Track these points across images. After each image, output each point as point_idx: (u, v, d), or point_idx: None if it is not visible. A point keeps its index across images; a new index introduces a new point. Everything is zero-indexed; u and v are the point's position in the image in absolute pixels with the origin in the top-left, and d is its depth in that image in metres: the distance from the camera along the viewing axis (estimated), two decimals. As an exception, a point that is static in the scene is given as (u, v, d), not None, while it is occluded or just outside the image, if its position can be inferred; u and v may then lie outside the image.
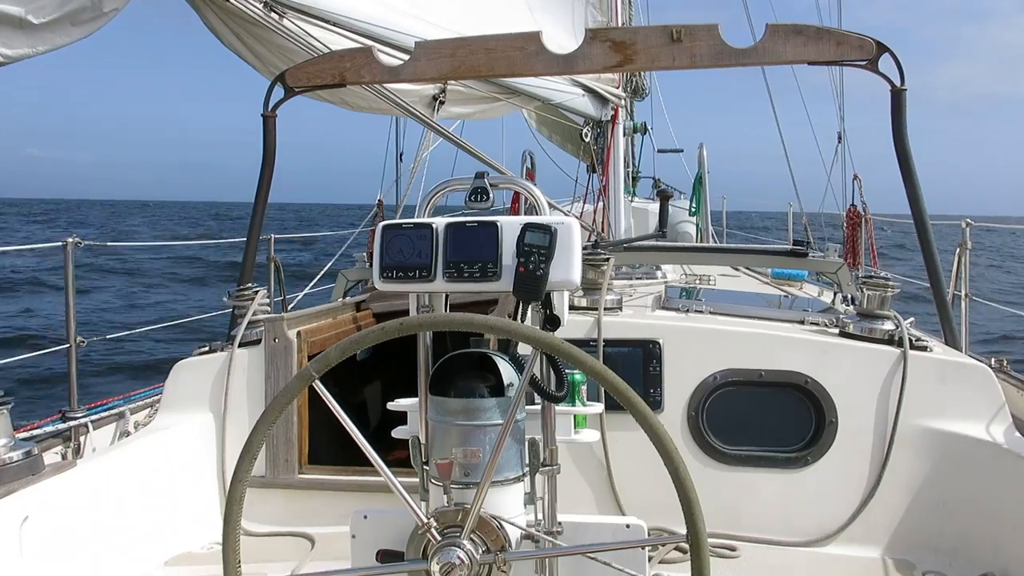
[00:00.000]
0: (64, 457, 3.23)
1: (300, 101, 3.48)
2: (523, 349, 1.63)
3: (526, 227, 1.55)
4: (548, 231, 1.54)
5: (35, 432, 3.37)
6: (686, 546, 2.60)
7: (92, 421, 3.50)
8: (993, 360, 3.76)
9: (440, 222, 1.61)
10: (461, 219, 1.62)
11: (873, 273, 3.41)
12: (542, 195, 1.75)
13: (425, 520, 1.48)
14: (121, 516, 2.62)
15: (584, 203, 6.77)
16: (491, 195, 1.67)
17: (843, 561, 2.61)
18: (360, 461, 3.22)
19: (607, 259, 3.07)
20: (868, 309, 2.88)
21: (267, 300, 3.32)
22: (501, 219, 1.59)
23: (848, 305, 3.58)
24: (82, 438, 3.43)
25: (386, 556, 1.63)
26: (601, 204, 6.04)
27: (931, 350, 2.77)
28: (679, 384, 2.81)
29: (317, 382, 1.47)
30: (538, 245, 1.53)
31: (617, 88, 6.09)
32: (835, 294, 4.09)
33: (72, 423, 3.37)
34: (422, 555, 1.49)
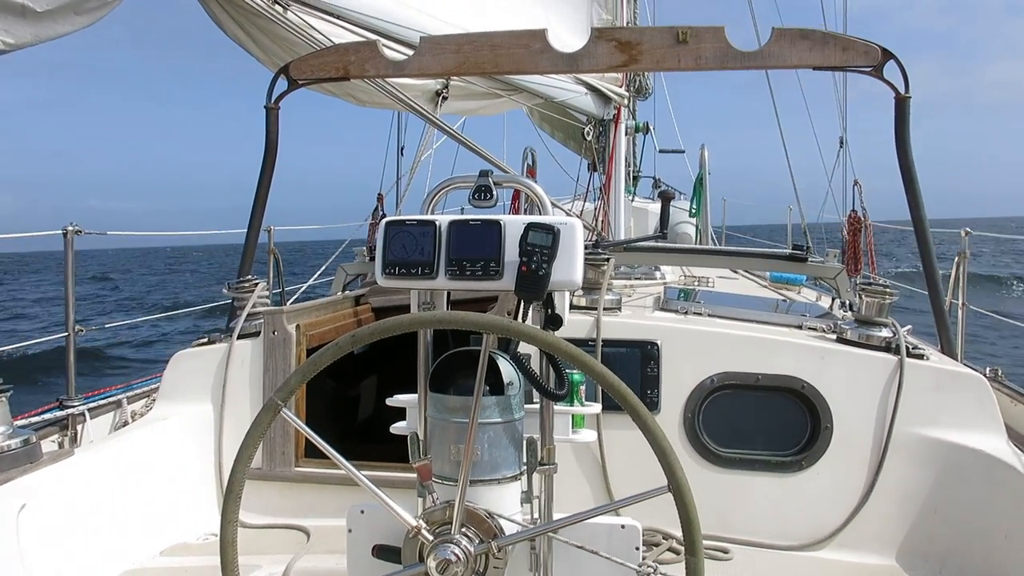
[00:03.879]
0: (61, 446, 3.23)
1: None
2: (524, 348, 1.63)
3: (529, 227, 1.55)
4: (551, 231, 1.54)
5: (33, 420, 3.37)
6: (680, 547, 2.62)
7: (90, 410, 3.51)
8: (988, 370, 3.77)
9: (443, 219, 1.62)
10: (464, 217, 1.62)
11: (872, 280, 3.41)
12: (545, 194, 1.75)
13: (415, 523, 1.49)
14: (118, 505, 2.62)
15: (584, 202, 6.78)
16: (495, 193, 1.67)
17: (835, 566, 2.62)
18: (357, 455, 3.23)
19: (607, 259, 3.08)
20: (866, 316, 2.89)
21: (266, 292, 3.32)
22: (504, 218, 1.60)
23: (846, 311, 3.59)
24: (79, 427, 3.44)
25: (382, 551, 1.63)
26: (601, 203, 6.05)
27: (928, 358, 2.77)
28: (676, 385, 2.82)
29: (284, 410, 1.48)
30: (541, 245, 1.54)
31: (620, 87, 6.10)
32: (833, 299, 4.09)
33: (70, 411, 3.38)
34: (418, 557, 1.50)
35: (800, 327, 3.03)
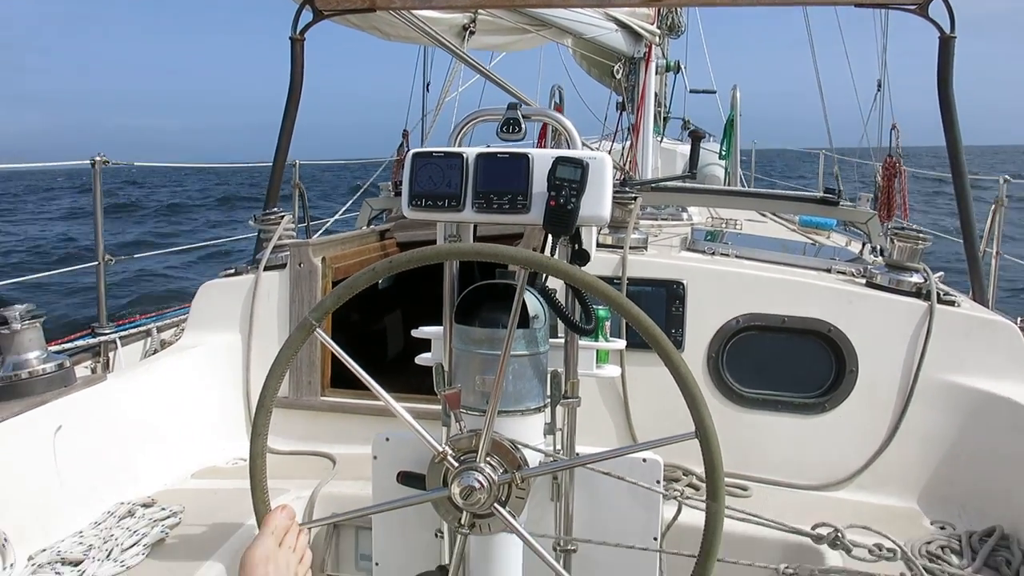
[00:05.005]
0: (94, 371, 3.31)
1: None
2: (551, 283, 1.64)
3: (558, 160, 1.54)
4: (580, 165, 1.53)
5: (66, 347, 3.45)
6: (699, 483, 2.66)
7: (121, 338, 3.58)
8: (1020, 319, 3.74)
9: (471, 152, 1.61)
10: (492, 149, 1.61)
11: (905, 225, 3.36)
12: (574, 129, 1.74)
13: (441, 449, 1.51)
14: (149, 429, 2.69)
15: (613, 142, 6.70)
16: (523, 127, 1.66)
17: (852, 506, 2.64)
18: (382, 386, 3.28)
19: (635, 198, 3.06)
20: (897, 260, 2.85)
21: (292, 225, 3.34)
22: (533, 151, 1.59)
23: (877, 256, 3.55)
24: (111, 354, 3.51)
25: (406, 478, 1.67)
26: (629, 143, 5.98)
27: (959, 305, 2.75)
28: (701, 326, 2.82)
29: (319, 330, 1.49)
30: (569, 179, 1.53)
31: (652, 24, 5.97)
32: (863, 245, 4.05)
33: (102, 339, 3.45)
34: (442, 483, 1.53)
35: (829, 271, 3.01)
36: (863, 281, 2.89)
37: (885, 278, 2.83)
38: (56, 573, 1.98)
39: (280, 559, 1.28)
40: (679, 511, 2.04)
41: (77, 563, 2.06)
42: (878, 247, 3.77)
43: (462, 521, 1.51)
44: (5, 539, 1.99)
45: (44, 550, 2.12)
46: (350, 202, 6.61)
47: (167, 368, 2.91)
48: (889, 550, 1.86)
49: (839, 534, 1.70)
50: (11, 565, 1.99)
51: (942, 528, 2.49)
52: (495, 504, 1.48)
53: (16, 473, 2.14)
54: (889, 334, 2.72)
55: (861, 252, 3.89)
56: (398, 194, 4.27)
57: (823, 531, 1.73)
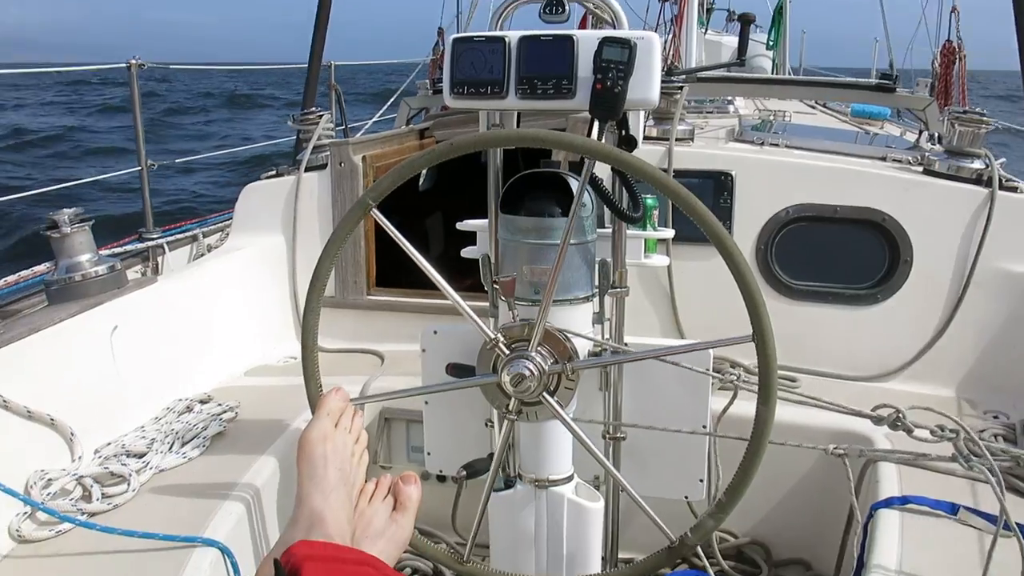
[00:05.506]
0: (144, 275, 3.36)
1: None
2: (597, 170, 1.60)
3: (604, 41, 1.47)
4: (628, 45, 1.46)
5: (115, 251, 3.51)
6: (747, 375, 2.65)
7: (168, 243, 3.63)
8: None
9: (513, 35, 1.55)
10: (535, 32, 1.55)
11: (966, 108, 3.21)
12: (620, 9, 1.67)
13: (493, 336, 1.50)
14: (201, 329, 2.74)
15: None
16: (567, 7, 1.59)
17: (902, 396, 2.62)
18: (427, 284, 3.30)
19: (680, 87, 2.97)
20: (957, 146, 2.74)
21: (331, 125, 3.31)
22: (578, 33, 1.52)
23: (935, 144, 3.43)
24: (159, 258, 3.56)
25: (456, 369, 1.68)
26: (672, 35, 5.78)
27: (1022, 191, 2.66)
28: (750, 217, 2.76)
29: (375, 210, 1.46)
30: (617, 60, 1.46)
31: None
32: (920, 133, 3.91)
33: (149, 243, 3.49)
34: (492, 370, 1.53)
35: (884, 159, 2.92)
36: (920, 169, 2.80)
37: (944, 165, 2.73)
38: (122, 464, 2.05)
39: (337, 438, 1.31)
40: (733, 399, 2.04)
41: (141, 455, 2.13)
42: (936, 135, 3.64)
43: (510, 407, 1.52)
44: (72, 433, 2.06)
45: (109, 444, 2.20)
46: (387, 105, 6.53)
47: (216, 270, 2.95)
48: (952, 431, 1.84)
49: (900, 415, 1.68)
50: (79, 458, 2.07)
51: (995, 417, 2.46)
52: (544, 393, 1.49)
53: (78, 371, 2.20)
54: (946, 222, 2.64)
55: (918, 140, 3.76)
56: (436, 92, 4.20)
57: (884, 412, 1.71)
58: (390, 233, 1.47)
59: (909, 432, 1.67)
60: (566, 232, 1.42)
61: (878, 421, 1.72)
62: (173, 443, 2.20)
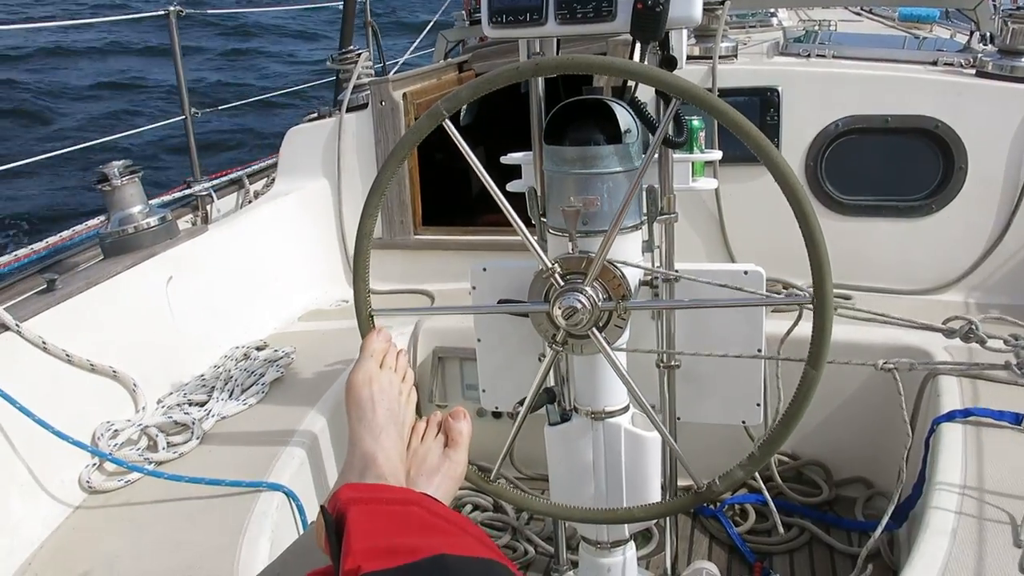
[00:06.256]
0: (194, 223, 3.41)
1: None
2: (640, 94, 1.56)
3: None
4: None
5: (165, 199, 3.55)
6: (801, 294, 2.62)
7: (215, 189, 3.66)
8: None
9: None
10: None
11: (1020, 4, 3.07)
12: None
13: (550, 265, 1.48)
14: (253, 276, 2.78)
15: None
16: None
17: (959, 307, 2.57)
18: (472, 222, 3.29)
19: (722, 2, 2.87)
20: (1011, 46, 2.63)
21: (370, 62, 3.28)
22: None
23: (987, 44, 3.28)
24: (208, 207, 3.60)
25: (506, 304, 1.68)
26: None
27: None
28: (798, 133, 2.69)
29: (447, 121, 1.43)
30: None
31: None
32: (972, 34, 3.74)
33: (197, 192, 3.53)
34: (544, 299, 1.52)
35: (935, 63, 2.81)
36: (972, 71, 2.69)
37: (997, 66, 2.62)
38: (185, 413, 2.11)
39: (383, 378, 1.31)
40: (797, 321, 2.01)
41: (203, 403, 2.19)
42: (988, 34, 3.49)
43: (557, 338, 1.52)
44: (135, 384, 2.12)
45: (171, 393, 2.26)
46: (421, 36, 6.44)
47: (264, 217, 2.97)
48: None
49: (973, 325, 1.63)
50: (143, 408, 2.13)
51: None
52: (593, 328, 1.48)
53: (136, 323, 2.25)
54: (1002, 126, 2.55)
55: (968, 42, 3.60)
56: (473, 23, 4.12)
57: (955, 324, 1.66)
58: (460, 147, 1.43)
59: (983, 343, 1.63)
60: (648, 160, 1.37)
61: (950, 334, 1.68)
62: (233, 390, 2.25)
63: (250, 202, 3.73)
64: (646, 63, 1.51)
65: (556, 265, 1.46)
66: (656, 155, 1.42)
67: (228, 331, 2.57)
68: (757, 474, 2.09)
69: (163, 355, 2.30)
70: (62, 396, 1.94)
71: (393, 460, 1.19)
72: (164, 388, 2.26)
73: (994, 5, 5.36)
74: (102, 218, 2.70)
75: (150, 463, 1.94)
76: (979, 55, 2.76)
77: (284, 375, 2.35)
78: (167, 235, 2.50)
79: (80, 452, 1.88)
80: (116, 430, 2.00)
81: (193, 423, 2.06)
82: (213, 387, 2.25)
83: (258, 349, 2.51)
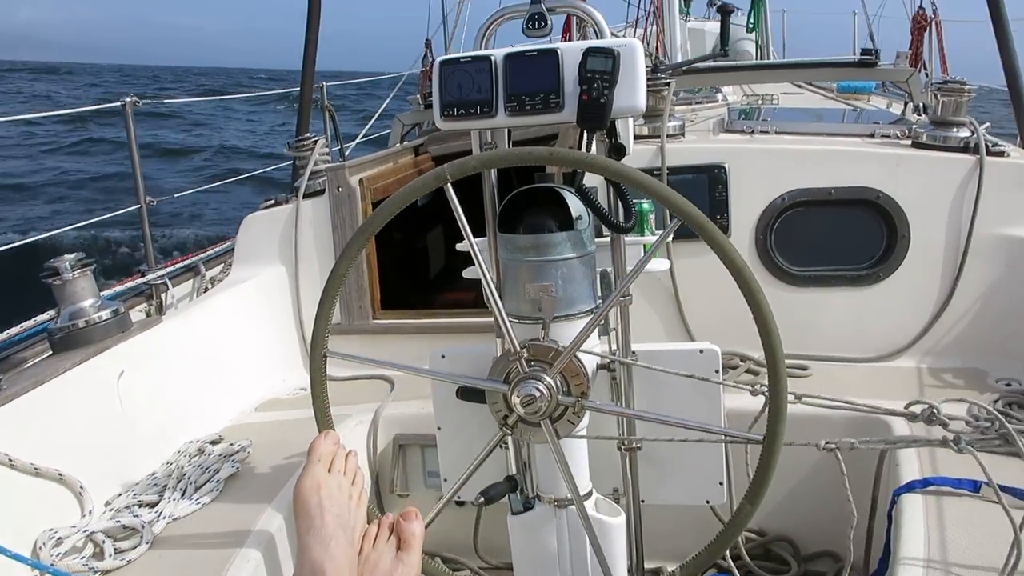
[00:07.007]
0: (148, 314, 3.36)
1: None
2: (589, 181, 1.59)
3: (588, 52, 1.48)
4: (611, 55, 1.46)
5: (118, 291, 3.50)
6: (757, 368, 2.64)
7: (171, 278, 3.62)
8: None
9: (498, 54, 1.55)
10: (520, 49, 1.55)
11: (947, 78, 3.21)
12: (601, 18, 1.66)
13: (518, 349, 1.49)
14: (209, 367, 2.73)
15: (636, 27, 6.48)
16: (550, 21, 1.59)
17: (913, 373, 2.62)
18: (430, 303, 3.29)
19: (667, 84, 2.96)
20: (942, 116, 2.76)
21: (326, 149, 3.31)
22: (561, 46, 1.52)
23: (920, 115, 3.42)
24: (163, 296, 3.56)
25: (466, 393, 1.67)
26: (655, 26, 5.77)
27: (1008, 155, 2.66)
28: (746, 208, 2.76)
29: (448, 186, 1.45)
30: (601, 71, 1.46)
31: None
32: (905, 105, 3.90)
33: (152, 281, 3.49)
34: (504, 380, 1.52)
35: (872, 135, 2.91)
36: (908, 142, 2.80)
37: (931, 136, 2.74)
38: (134, 516, 2.00)
39: (332, 483, 1.29)
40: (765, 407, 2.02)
41: (154, 504, 2.10)
42: (921, 105, 3.64)
43: (508, 420, 1.52)
44: (82, 487, 2.03)
45: (120, 494, 2.17)
46: (374, 118, 6.54)
47: (220, 305, 2.94)
48: (987, 419, 1.84)
49: (934, 410, 1.66)
50: (89, 512, 2.04)
51: (1008, 385, 2.46)
52: (546, 420, 1.49)
53: (85, 422, 2.19)
54: (939, 193, 2.64)
55: (904, 113, 3.76)
56: (428, 106, 4.19)
57: (917, 408, 1.69)
58: (458, 220, 1.47)
59: (944, 426, 1.66)
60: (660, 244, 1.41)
61: (912, 418, 1.71)
62: (186, 488, 2.16)
63: (206, 289, 3.70)
64: (594, 151, 1.55)
65: (524, 350, 1.47)
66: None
67: (182, 425, 2.51)
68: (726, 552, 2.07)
69: (113, 454, 2.23)
70: (2, 504, 1.86)
71: (343, 570, 1.16)
72: (113, 489, 2.18)
73: (926, 74, 5.62)
74: (52, 312, 2.65)
75: (95, 572, 1.84)
76: (914, 126, 2.88)
77: (240, 470, 2.28)
78: (119, 328, 2.45)
79: (19, 566, 1.79)
80: (60, 537, 1.89)
81: (143, 526, 1.96)
82: (165, 485, 2.17)
83: (213, 443, 2.44)
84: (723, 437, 1.63)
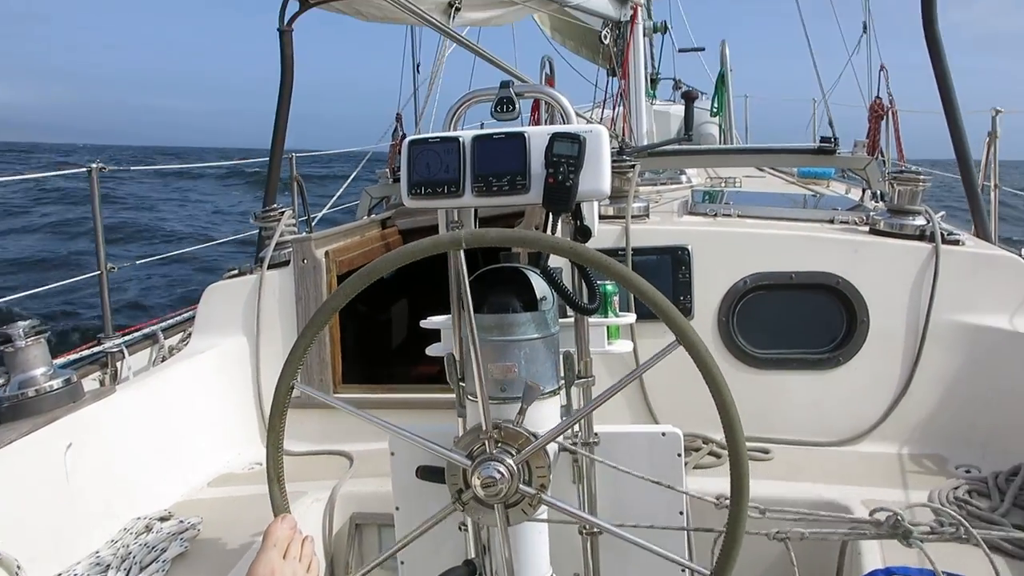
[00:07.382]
0: (102, 383, 3.29)
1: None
2: (554, 262, 1.60)
3: (554, 137, 1.50)
4: (577, 140, 1.49)
5: (72, 359, 3.42)
6: (720, 450, 2.63)
7: (127, 346, 3.55)
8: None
9: (467, 135, 1.57)
10: (488, 131, 1.57)
11: (903, 168, 3.32)
12: (568, 103, 1.69)
13: (488, 430, 1.47)
14: (162, 440, 2.66)
15: (604, 109, 6.61)
16: (517, 105, 1.61)
17: (875, 458, 2.63)
18: (393, 379, 3.25)
19: (632, 166, 3.01)
20: (899, 205, 2.84)
21: (293, 220, 3.30)
22: (528, 130, 1.55)
23: (878, 202, 3.52)
24: (119, 364, 3.49)
25: (425, 472, 1.64)
26: (622, 109, 5.90)
27: (963, 243, 2.73)
28: (709, 289, 2.79)
29: (461, 252, 1.45)
30: (567, 155, 1.49)
31: (635, -14, 5.86)
32: (864, 191, 4.01)
33: (108, 349, 3.42)
34: (461, 476, 1.50)
35: (832, 221, 2.98)
36: (866, 229, 2.87)
37: (888, 223, 2.81)
38: (75, 598, 1.94)
39: (286, 570, 1.25)
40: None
41: (96, 585, 2.02)
42: (879, 192, 3.75)
43: (463, 496, 1.49)
44: (19, 567, 1.94)
45: (60, 575, 2.08)
46: (341, 189, 6.58)
47: (176, 376, 2.88)
48: (951, 524, 1.84)
49: (899, 517, 1.65)
50: None
51: (967, 471, 2.47)
52: (501, 504, 1.47)
53: (28, 495, 2.11)
54: (897, 280, 2.70)
55: (862, 199, 3.86)
56: (396, 180, 4.22)
57: (881, 516, 1.69)
58: (462, 288, 1.47)
59: (909, 535, 1.65)
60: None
61: (877, 525, 1.71)
62: (130, 569, 2.07)
63: (164, 359, 3.63)
64: (559, 232, 1.56)
65: (496, 431, 1.45)
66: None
67: (131, 500, 2.43)
68: None
69: (56, 531, 2.14)
70: None
71: None
72: (52, 569, 2.08)
73: (883, 161, 5.79)
74: (1, 381, 2.58)
75: None
76: (872, 213, 2.95)
77: (189, 549, 2.20)
78: (70, 398, 2.39)
79: None
80: (-9, 624, 1.82)
81: (83, 610, 1.89)
82: (108, 565, 2.09)
83: (162, 520, 2.36)
84: (684, 529, 1.62)
